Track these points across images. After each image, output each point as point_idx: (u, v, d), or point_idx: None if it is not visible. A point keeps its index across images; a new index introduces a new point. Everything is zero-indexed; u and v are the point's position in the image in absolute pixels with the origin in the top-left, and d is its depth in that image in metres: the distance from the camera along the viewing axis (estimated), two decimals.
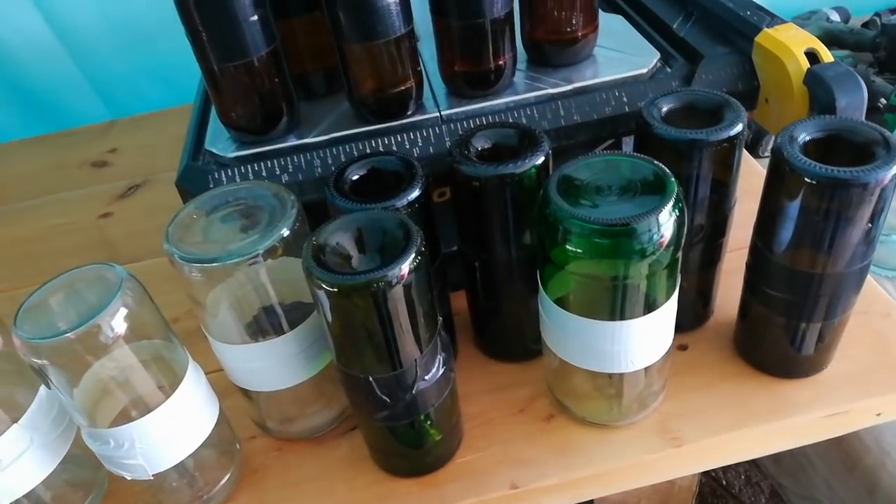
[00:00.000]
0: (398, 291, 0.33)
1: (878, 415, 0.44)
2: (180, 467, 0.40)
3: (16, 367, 0.39)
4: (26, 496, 0.39)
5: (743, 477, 1.01)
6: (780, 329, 0.42)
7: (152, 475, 0.38)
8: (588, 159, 0.37)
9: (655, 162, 0.36)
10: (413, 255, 0.33)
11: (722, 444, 0.42)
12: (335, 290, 0.33)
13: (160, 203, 0.69)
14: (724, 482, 1.01)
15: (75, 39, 0.91)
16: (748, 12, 0.47)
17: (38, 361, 0.34)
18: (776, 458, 0.82)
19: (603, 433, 0.43)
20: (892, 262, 0.69)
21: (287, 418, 0.46)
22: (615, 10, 0.57)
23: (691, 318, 0.48)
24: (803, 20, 0.98)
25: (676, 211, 0.34)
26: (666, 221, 0.34)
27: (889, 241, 0.69)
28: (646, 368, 0.40)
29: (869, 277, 0.48)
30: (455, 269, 0.46)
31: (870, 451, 0.58)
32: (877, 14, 0.92)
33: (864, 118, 0.41)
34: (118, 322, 0.34)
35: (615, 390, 0.42)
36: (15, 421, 0.38)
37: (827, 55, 0.43)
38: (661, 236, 0.34)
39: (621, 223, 0.33)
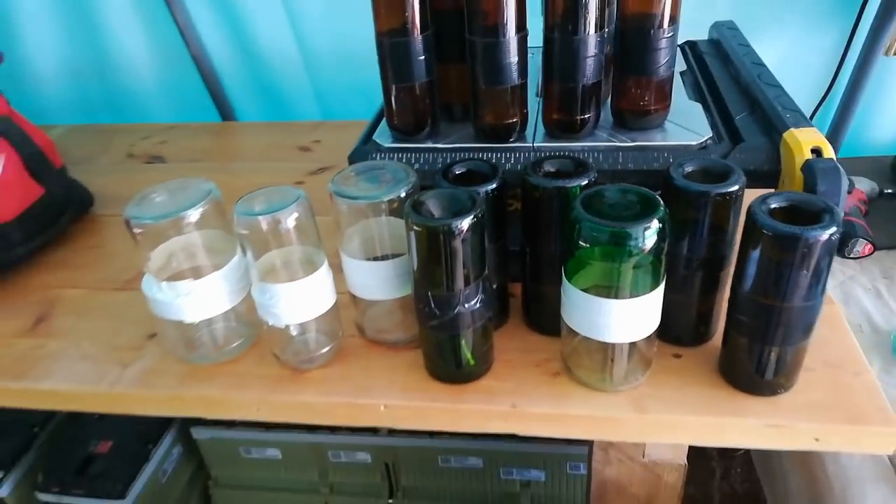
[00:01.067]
0: (457, 238, 0.51)
1: (817, 440, 0.53)
2: (302, 328, 0.61)
3: (228, 242, 0.62)
4: (211, 318, 0.62)
5: None
6: (745, 350, 0.55)
7: (284, 325, 0.59)
8: (610, 186, 0.54)
9: (653, 193, 0.51)
10: (471, 217, 0.51)
11: (677, 423, 0.55)
12: (419, 228, 0.52)
13: None
14: None
15: (312, 55, 1.22)
16: (788, 114, 0.61)
17: (242, 232, 0.57)
18: None
19: (591, 392, 0.58)
20: None
21: (378, 329, 0.65)
22: (702, 100, 0.72)
23: (692, 335, 0.61)
24: None
25: (658, 227, 0.49)
26: (649, 232, 0.49)
27: None
28: (630, 346, 0.55)
29: (856, 342, 0.59)
30: (515, 265, 0.63)
31: (834, 495, 0.65)
32: None
33: (841, 203, 0.53)
34: (290, 220, 0.56)
35: (608, 363, 0.57)
36: (218, 268, 0.61)
37: (829, 152, 0.55)
38: (645, 242, 0.49)
39: (618, 228, 0.49)
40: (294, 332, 0.62)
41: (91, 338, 0.70)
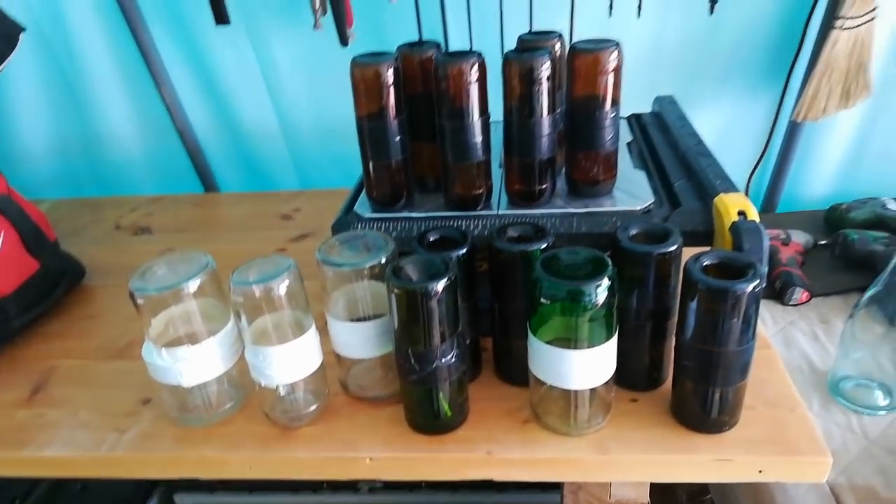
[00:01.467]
0: (433, 299, 0.58)
1: (760, 472, 0.60)
2: (291, 387, 0.66)
3: (221, 309, 0.67)
4: (205, 384, 0.67)
5: None
6: (691, 392, 0.61)
7: (276, 385, 0.64)
8: (565, 249, 0.61)
9: (602, 254, 0.59)
10: (445, 280, 0.58)
11: (636, 462, 0.61)
12: (399, 291, 0.58)
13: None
14: None
15: (291, 128, 1.30)
16: (718, 181, 0.70)
17: (237, 299, 0.62)
18: None
19: (558, 437, 0.63)
20: (870, 402, 0.82)
21: (361, 386, 0.71)
22: (645, 168, 0.81)
23: (645, 382, 0.68)
24: (862, 203, 1.13)
25: (608, 284, 0.57)
26: (600, 290, 0.56)
27: (871, 385, 0.82)
28: (591, 392, 0.61)
29: (790, 381, 0.66)
30: (486, 322, 0.69)
31: None
32: None
33: (764, 258, 0.61)
34: (282, 287, 0.62)
35: (570, 409, 0.63)
36: (212, 334, 0.66)
37: (753, 214, 0.64)
38: (597, 298, 0.56)
39: (573, 287, 0.56)
40: (284, 392, 0.67)
41: (88, 406, 0.74)
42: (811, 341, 0.93)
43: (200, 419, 0.69)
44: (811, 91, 1.04)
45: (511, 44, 0.77)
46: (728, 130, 1.18)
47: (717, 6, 0.97)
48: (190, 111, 1.29)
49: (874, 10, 0.97)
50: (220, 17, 1.01)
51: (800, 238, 1.10)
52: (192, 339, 0.66)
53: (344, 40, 1.01)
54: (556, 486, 1.01)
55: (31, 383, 0.78)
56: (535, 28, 1.04)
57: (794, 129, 1.16)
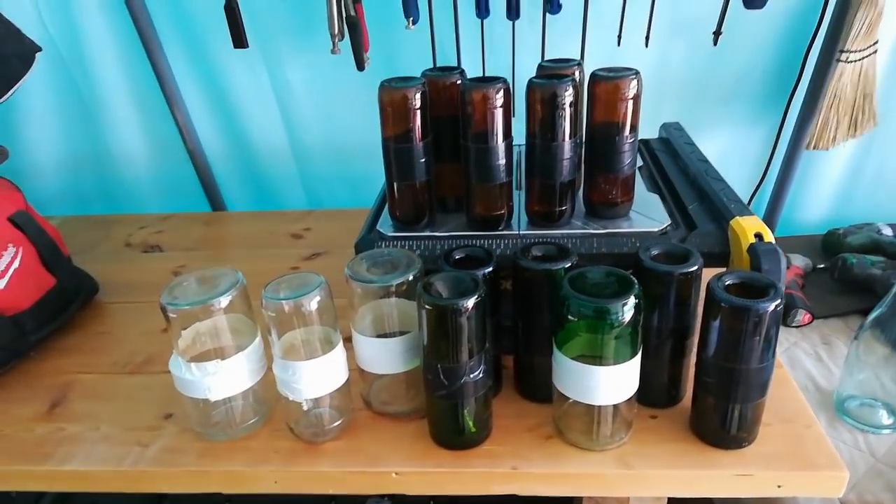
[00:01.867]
0: (464, 316, 0.59)
1: (779, 486, 0.61)
2: (317, 402, 0.67)
3: (249, 324, 0.68)
4: (230, 398, 0.68)
5: None
6: (712, 408, 0.63)
7: (304, 399, 0.65)
8: (591, 268, 0.63)
9: (628, 274, 0.61)
10: (475, 297, 0.59)
11: (658, 477, 0.62)
12: (430, 307, 0.60)
13: (333, 265, 1.01)
14: None
15: (302, 148, 1.32)
16: (732, 205, 0.72)
17: (270, 314, 0.63)
18: None
19: (581, 452, 0.65)
20: (874, 421, 0.84)
21: (384, 402, 0.72)
22: (658, 191, 0.84)
23: (664, 399, 0.69)
24: (857, 228, 1.17)
25: (634, 302, 0.58)
26: (627, 308, 0.58)
27: (875, 405, 0.85)
28: (614, 408, 0.63)
29: (804, 399, 0.68)
30: (508, 339, 0.71)
31: None
32: None
33: (782, 278, 0.63)
34: (313, 303, 0.63)
35: (593, 425, 0.64)
36: (240, 349, 0.67)
37: (769, 237, 0.66)
38: (624, 316, 0.58)
39: (601, 305, 0.58)
40: (308, 407, 0.68)
41: (109, 420, 0.74)
42: (815, 362, 0.96)
43: (225, 433, 0.69)
44: (821, 121, 1.09)
45: (522, 70, 0.79)
46: (728, 156, 1.22)
47: (720, 38, 1.01)
48: (201, 131, 1.31)
49: (876, 43, 1.01)
50: (239, 41, 1.03)
51: (799, 262, 1.13)
52: (220, 353, 0.67)
53: (360, 65, 1.03)
54: (568, 502, 1.02)
55: (50, 398, 0.78)
56: (547, 56, 1.08)
57: (792, 155, 1.20)
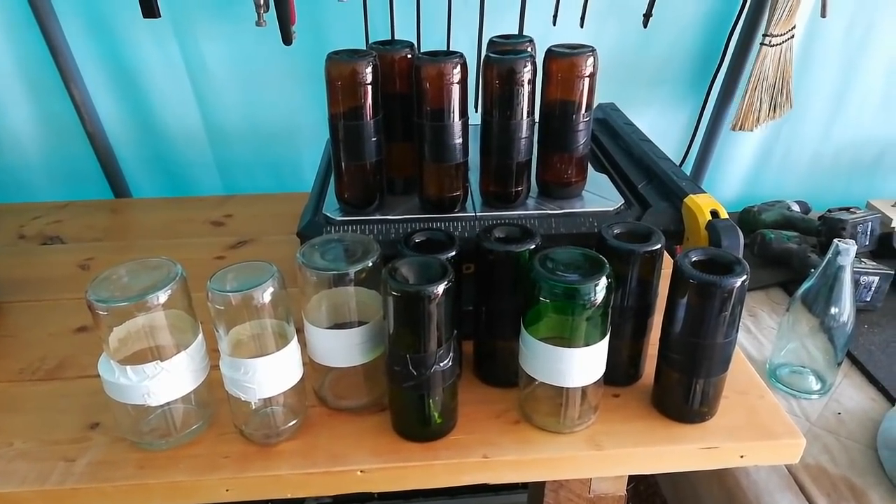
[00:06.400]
0: (433, 302, 0.56)
1: (742, 457, 0.63)
2: (268, 401, 0.61)
3: (189, 320, 0.62)
4: (171, 402, 0.61)
5: None
6: (677, 384, 0.64)
7: (257, 398, 0.60)
8: (561, 248, 0.61)
9: (599, 255, 0.60)
10: (445, 283, 0.56)
11: (629, 455, 0.62)
12: (398, 294, 0.56)
13: (263, 254, 0.95)
14: None
15: (218, 130, 1.22)
16: (683, 183, 0.73)
17: (217, 307, 0.57)
18: None
19: (551, 436, 0.64)
20: (804, 387, 0.89)
21: (339, 395, 0.67)
22: (605, 171, 0.84)
23: (624, 377, 0.69)
24: (769, 205, 1.24)
25: (606, 283, 0.58)
26: (599, 288, 0.57)
27: (804, 372, 0.89)
28: (582, 390, 0.62)
29: (754, 371, 0.70)
30: (467, 323, 0.68)
31: None
32: (828, 210, 1.17)
33: (741, 254, 0.65)
34: (266, 295, 0.58)
35: (562, 407, 0.63)
36: (182, 348, 0.60)
37: (723, 213, 0.67)
38: (596, 296, 0.57)
39: (572, 284, 0.57)
40: (258, 406, 0.62)
41: (23, 434, 0.65)
42: (744, 333, 1.00)
43: (165, 441, 0.63)
44: (746, 103, 1.13)
45: (458, 48, 0.76)
46: (652, 137, 1.25)
47: (650, 20, 1.03)
48: (102, 111, 1.18)
49: (793, 28, 1.06)
50: (150, 10, 0.93)
51: None
52: (157, 353, 0.60)
53: (287, 39, 0.97)
54: (524, 486, 1.02)
55: None
56: (484, 35, 1.05)
57: (711, 136, 1.25)
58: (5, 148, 1.19)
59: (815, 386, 0.89)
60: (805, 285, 0.86)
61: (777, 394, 0.88)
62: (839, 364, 0.88)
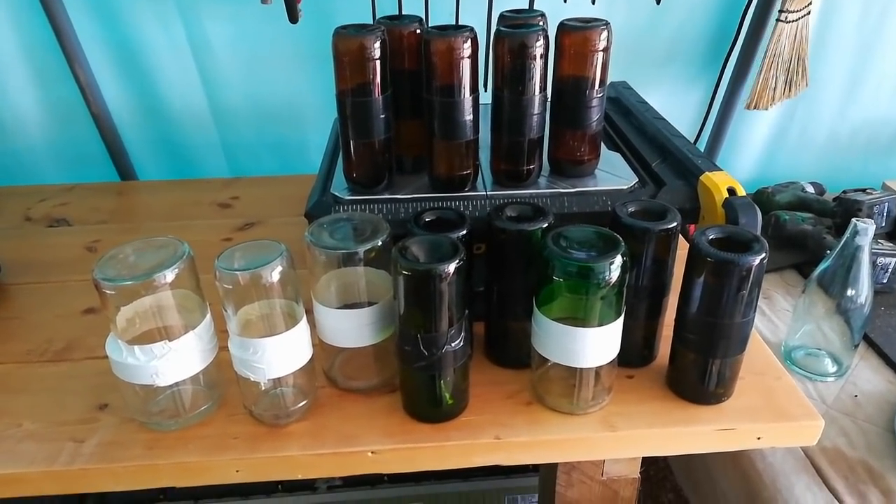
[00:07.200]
0: (445, 281, 0.55)
1: (759, 438, 0.62)
2: (278, 382, 0.61)
3: (197, 300, 0.61)
4: (179, 383, 0.60)
5: None
6: (692, 364, 0.62)
7: (267, 379, 0.59)
8: (574, 227, 0.60)
9: (614, 233, 0.59)
10: (457, 262, 0.55)
11: (643, 437, 0.61)
12: (409, 273, 0.55)
13: (271, 235, 0.93)
14: None
15: (223, 111, 1.21)
16: (699, 160, 0.71)
17: (226, 287, 0.57)
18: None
19: (564, 417, 0.63)
20: (820, 370, 0.88)
21: (349, 376, 0.67)
22: (618, 149, 0.82)
23: (639, 358, 0.68)
24: (783, 187, 1.22)
25: (621, 261, 0.56)
26: (614, 267, 0.56)
27: (819, 354, 0.88)
28: (596, 371, 0.61)
29: (770, 352, 0.69)
30: (478, 305, 0.67)
31: (766, 487, 0.75)
32: (844, 191, 1.15)
33: (758, 231, 0.63)
34: (275, 274, 0.57)
35: (575, 388, 0.62)
36: (190, 328, 0.60)
37: (741, 190, 0.66)
38: (611, 275, 0.56)
39: (586, 262, 0.56)
40: (268, 387, 0.62)
41: (31, 415, 0.65)
42: (759, 315, 0.99)
43: (175, 422, 0.62)
44: (761, 81, 1.11)
45: (464, 21, 0.74)
46: (665, 116, 1.23)
47: None
48: (107, 93, 1.17)
49: (810, 4, 1.04)
50: None
51: None
52: (164, 333, 0.59)
53: (293, 17, 0.95)
54: (535, 469, 1.01)
55: None
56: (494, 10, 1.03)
57: (724, 115, 1.23)
58: (11, 131, 1.18)
59: (832, 368, 0.87)
60: (821, 266, 0.84)
61: (793, 376, 0.86)
62: (856, 346, 0.86)
